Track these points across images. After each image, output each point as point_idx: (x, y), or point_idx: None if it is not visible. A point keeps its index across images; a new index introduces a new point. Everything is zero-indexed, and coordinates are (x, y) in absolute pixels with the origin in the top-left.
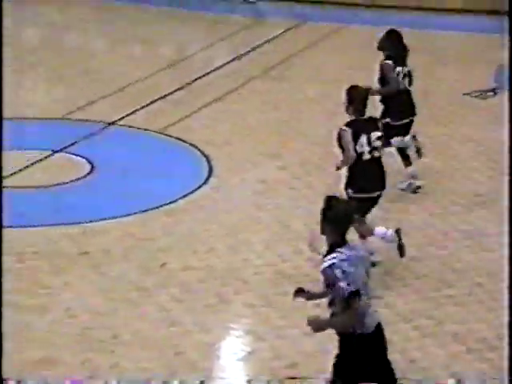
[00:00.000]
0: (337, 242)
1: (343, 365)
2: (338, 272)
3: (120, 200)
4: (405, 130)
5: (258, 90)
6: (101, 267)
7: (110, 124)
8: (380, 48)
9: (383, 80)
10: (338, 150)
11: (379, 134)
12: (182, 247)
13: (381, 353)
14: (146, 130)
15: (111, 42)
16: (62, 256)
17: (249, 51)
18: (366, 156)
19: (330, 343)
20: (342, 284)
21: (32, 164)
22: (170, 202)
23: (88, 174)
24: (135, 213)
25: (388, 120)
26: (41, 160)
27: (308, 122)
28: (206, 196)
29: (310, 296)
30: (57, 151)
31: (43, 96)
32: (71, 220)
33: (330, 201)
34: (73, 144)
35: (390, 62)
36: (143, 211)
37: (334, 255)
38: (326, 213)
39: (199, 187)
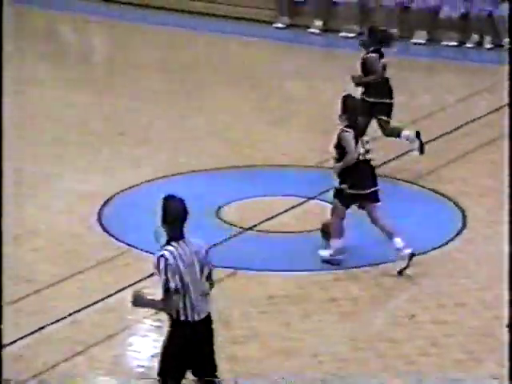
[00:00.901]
0: (173, 237)
1: (167, 348)
2: (162, 264)
3: (371, 249)
4: (388, 108)
5: None
6: (349, 315)
7: None
8: (362, 45)
9: (366, 71)
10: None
11: (367, 138)
12: (430, 299)
13: (204, 342)
14: (398, 179)
15: None
16: (312, 301)
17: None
18: (361, 157)
19: None
20: (163, 277)
21: (287, 210)
22: (421, 253)
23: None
24: (384, 262)
25: (371, 99)
26: (295, 206)
27: None
28: (458, 248)
29: (146, 303)
30: (311, 198)
31: (300, 144)
32: (320, 266)
33: (165, 201)
34: (326, 191)
35: (374, 55)
36: (394, 261)
37: (167, 247)
38: (162, 212)
39: (451, 239)
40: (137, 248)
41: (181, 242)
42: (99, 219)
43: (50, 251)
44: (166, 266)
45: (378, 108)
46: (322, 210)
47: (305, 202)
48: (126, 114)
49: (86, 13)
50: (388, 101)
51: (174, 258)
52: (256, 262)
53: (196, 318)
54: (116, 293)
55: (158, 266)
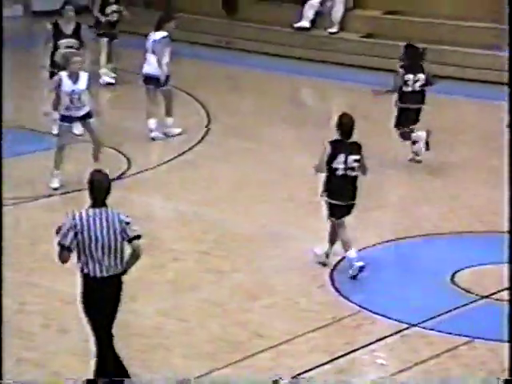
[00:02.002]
0: (93, 205)
1: (82, 301)
2: (68, 222)
3: None
4: (415, 115)
5: None
6: None
7: None
8: (400, 59)
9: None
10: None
11: (357, 157)
12: None
13: (108, 298)
14: None
15: None
16: None
17: None
18: (340, 172)
19: None
20: (63, 232)
21: None
22: None
23: None
24: None
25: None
26: None
27: None
28: None
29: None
30: None
31: None
32: None
33: (91, 173)
34: None
35: (400, 70)
36: None
37: (82, 211)
38: (88, 182)
39: None
40: (368, 310)
41: (97, 209)
42: (331, 279)
43: (283, 308)
44: (71, 225)
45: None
46: None
47: None
48: (360, 176)
49: (325, 77)
50: (413, 106)
51: (81, 220)
52: (494, 332)
53: (99, 274)
54: (346, 354)
55: (64, 223)
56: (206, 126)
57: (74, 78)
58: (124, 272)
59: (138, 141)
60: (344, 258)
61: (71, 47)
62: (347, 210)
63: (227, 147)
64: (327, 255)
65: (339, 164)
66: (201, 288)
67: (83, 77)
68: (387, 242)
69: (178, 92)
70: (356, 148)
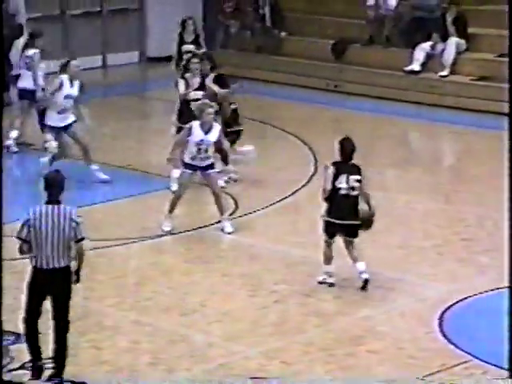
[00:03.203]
0: (47, 201)
1: (28, 286)
2: (24, 218)
3: None
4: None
5: None
6: None
7: None
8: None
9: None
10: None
11: (358, 177)
12: None
13: (54, 287)
14: None
15: None
16: None
17: None
18: (343, 191)
19: None
20: (19, 227)
21: None
22: None
23: None
24: None
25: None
26: None
27: None
28: None
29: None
30: None
31: None
32: None
33: (47, 172)
34: None
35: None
36: None
37: (36, 207)
38: (43, 179)
39: None
40: (480, 358)
41: (50, 205)
42: (440, 325)
43: (390, 354)
44: (26, 220)
45: None
46: None
47: None
48: (471, 221)
49: (435, 120)
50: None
51: (35, 215)
52: None
53: (46, 266)
54: None
55: (23, 218)
56: (313, 169)
57: (206, 128)
58: (77, 271)
59: (245, 183)
60: (452, 305)
61: (199, 100)
62: (344, 229)
63: None
64: (330, 275)
65: (342, 184)
66: (305, 331)
67: (215, 129)
68: (499, 288)
69: (286, 134)
70: (356, 169)
